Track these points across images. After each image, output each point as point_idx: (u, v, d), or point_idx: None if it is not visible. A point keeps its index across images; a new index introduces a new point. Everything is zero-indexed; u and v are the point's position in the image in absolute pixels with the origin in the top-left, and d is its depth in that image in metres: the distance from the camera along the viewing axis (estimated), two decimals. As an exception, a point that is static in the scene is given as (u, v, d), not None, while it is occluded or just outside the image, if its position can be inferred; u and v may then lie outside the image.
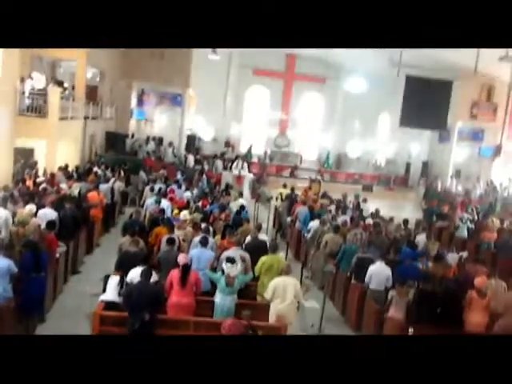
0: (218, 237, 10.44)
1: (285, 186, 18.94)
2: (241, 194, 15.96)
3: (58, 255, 9.42)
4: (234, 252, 8.72)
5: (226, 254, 8.61)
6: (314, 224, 13.13)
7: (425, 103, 23.85)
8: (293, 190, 18.06)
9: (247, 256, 8.91)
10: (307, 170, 28.78)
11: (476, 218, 17.67)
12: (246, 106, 33.37)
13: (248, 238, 10.16)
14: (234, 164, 22.26)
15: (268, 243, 9.70)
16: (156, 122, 29.15)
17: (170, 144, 25.35)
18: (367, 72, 26.83)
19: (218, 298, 7.72)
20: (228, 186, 17.40)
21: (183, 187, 15.94)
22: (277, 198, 17.92)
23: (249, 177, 22.24)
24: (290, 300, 7.78)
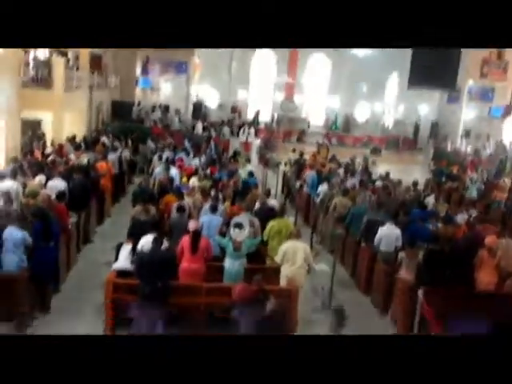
0: (228, 203, 10.49)
1: (294, 150, 18.92)
2: (249, 160, 15.96)
3: (69, 226, 9.52)
4: (242, 217, 8.77)
5: (234, 219, 8.67)
6: (323, 188, 13.15)
7: (434, 63, 23.38)
8: (301, 154, 18.04)
9: (256, 221, 8.97)
10: (315, 135, 28.58)
11: (486, 178, 17.57)
12: (252, 72, 32.98)
13: (257, 204, 10.21)
14: (241, 130, 22.24)
15: (277, 208, 9.75)
16: (162, 90, 28.95)
17: (177, 112, 25.25)
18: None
19: (226, 262, 7.81)
20: (236, 153, 17.38)
21: (191, 154, 15.94)
22: (285, 164, 17.91)
23: (256, 143, 22.23)
24: (300, 263, 7.86)
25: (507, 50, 25.41)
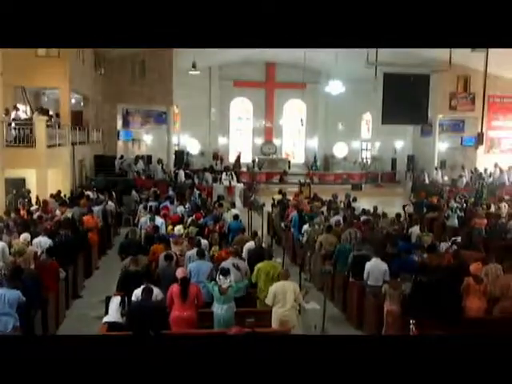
0: (216, 248, 10.59)
1: (279, 192, 18.97)
2: (233, 205, 16.11)
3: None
4: (227, 263, 8.88)
5: (221, 265, 8.76)
6: (307, 227, 13.33)
7: (405, 99, 24.16)
8: (284, 195, 18.23)
9: (242, 264, 9.07)
10: (296, 175, 28.96)
11: (464, 205, 17.94)
12: (230, 118, 33.66)
13: (249, 245, 10.36)
14: (224, 175, 22.48)
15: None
16: (143, 141, 29.26)
17: (159, 161, 25.48)
18: (346, 74, 27.20)
19: (215, 307, 7.85)
20: (220, 198, 17.55)
21: (176, 203, 16.08)
22: (272, 206, 17.98)
23: (239, 186, 22.46)
24: (291, 304, 7.92)
25: (472, 81, 26.37)
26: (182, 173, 24.12)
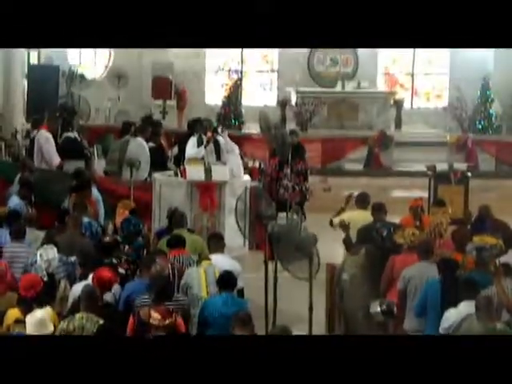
0: None
1: (364, 199, 7.17)
2: (216, 240, 5.93)
3: None
4: None
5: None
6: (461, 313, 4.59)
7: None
8: (379, 209, 6.75)
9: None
10: (421, 145, 13.08)
11: None
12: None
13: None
14: (191, 145, 8.03)
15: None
16: None
17: None
18: None
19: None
20: (175, 218, 6.30)
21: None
22: (346, 243, 6.56)
23: (240, 183, 6.38)
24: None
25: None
26: (47, 140, 8.31)
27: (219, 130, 8.88)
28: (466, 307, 4.64)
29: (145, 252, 5.99)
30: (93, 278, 4.80)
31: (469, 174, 10.01)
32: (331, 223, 7.10)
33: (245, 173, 8.64)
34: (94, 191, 7.25)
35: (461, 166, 10.65)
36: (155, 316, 4.21)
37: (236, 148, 8.72)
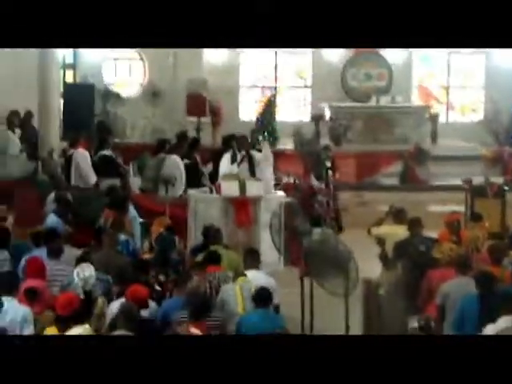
0: None
1: (399, 214, 7.16)
2: (253, 258, 5.86)
3: None
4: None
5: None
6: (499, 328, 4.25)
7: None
8: (415, 224, 6.69)
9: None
10: (457, 159, 12.84)
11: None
12: None
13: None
14: (225, 162, 7.54)
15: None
16: None
17: (12, 124, 14.49)
18: None
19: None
20: (210, 234, 6.49)
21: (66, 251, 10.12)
22: (384, 260, 6.57)
23: (274, 198, 8.04)
24: None
25: None
26: (84, 158, 8.87)
27: (260, 140, 8.94)
28: (504, 322, 4.46)
29: (181, 269, 5.99)
30: (126, 295, 4.81)
31: (506, 187, 9.91)
32: (369, 232, 7.15)
33: (279, 188, 8.68)
34: (130, 209, 7.28)
35: (497, 179, 10.53)
36: (195, 332, 4.19)
37: (271, 158, 8.67)
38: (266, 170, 8.26)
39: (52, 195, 7.65)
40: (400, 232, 6.82)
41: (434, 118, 13.93)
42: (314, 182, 9.95)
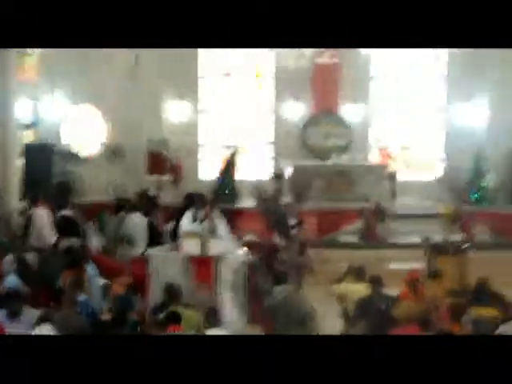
0: None
1: (360, 272, 7.51)
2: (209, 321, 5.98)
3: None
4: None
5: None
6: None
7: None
8: (376, 282, 7.02)
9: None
10: (418, 217, 13.02)
11: None
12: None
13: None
14: (186, 219, 7.18)
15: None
16: None
17: None
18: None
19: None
20: (170, 297, 6.42)
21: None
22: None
23: (235, 258, 7.88)
24: None
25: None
26: (43, 218, 8.38)
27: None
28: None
29: (139, 330, 5.84)
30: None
31: (465, 244, 10.07)
32: (331, 291, 7.17)
33: (242, 246, 8.66)
34: (89, 268, 7.17)
35: (456, 237, 10.72)
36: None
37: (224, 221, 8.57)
38: (225, 231, 8.27)
39: (10, 256, 7.49)
40: (360, 289, 6.96)
41: (391, 177, 14.29)
42: (277, 240, 9.99)
